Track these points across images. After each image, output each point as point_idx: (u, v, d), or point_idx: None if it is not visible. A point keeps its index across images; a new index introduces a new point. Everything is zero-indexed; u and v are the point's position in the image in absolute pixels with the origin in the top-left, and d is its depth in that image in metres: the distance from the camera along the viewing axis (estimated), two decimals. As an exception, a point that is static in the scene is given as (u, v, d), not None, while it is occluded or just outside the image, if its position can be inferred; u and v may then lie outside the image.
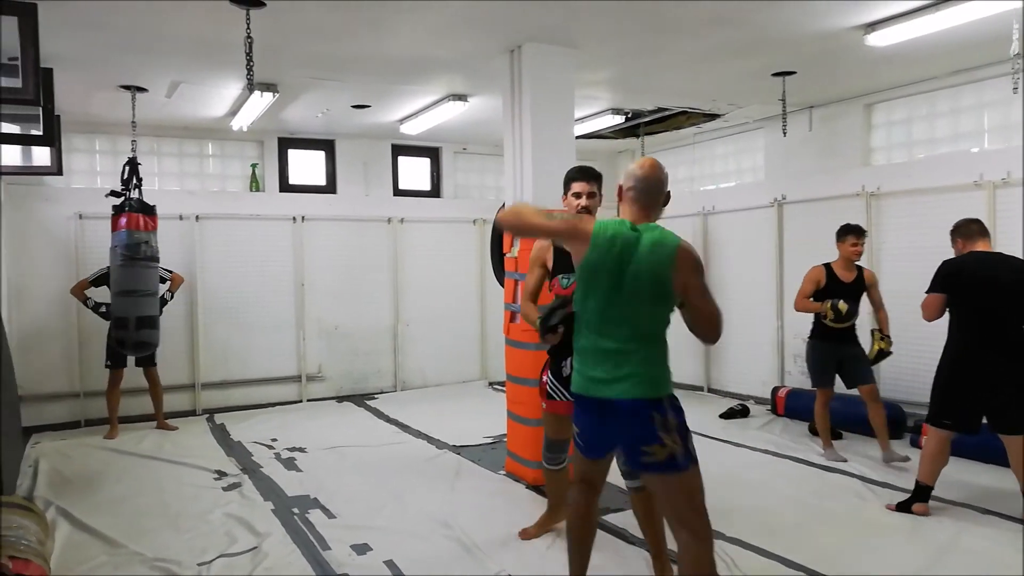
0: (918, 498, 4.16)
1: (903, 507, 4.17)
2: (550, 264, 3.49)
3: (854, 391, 5.39)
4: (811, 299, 5.25)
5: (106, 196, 6.09)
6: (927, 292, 4.18)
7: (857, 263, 5.31)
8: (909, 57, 5.30)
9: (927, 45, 4.95)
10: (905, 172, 6.16)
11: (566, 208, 3.54)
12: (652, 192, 2.67)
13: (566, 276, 3.36)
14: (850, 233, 5.23)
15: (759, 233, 7.34)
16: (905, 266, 6.04)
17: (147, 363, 6.36)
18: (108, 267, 6.13)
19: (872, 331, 5.36)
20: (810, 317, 5.44)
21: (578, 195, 3.52)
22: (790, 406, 6.59)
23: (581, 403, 2.67)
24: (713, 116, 7.25)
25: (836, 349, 5.25)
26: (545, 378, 3.58)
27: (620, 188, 2.72)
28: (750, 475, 4.97)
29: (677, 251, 2.54)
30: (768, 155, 7.54)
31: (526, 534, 3.82)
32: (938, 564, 3.50)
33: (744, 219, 7.53)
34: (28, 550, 3.11)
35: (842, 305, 5.09)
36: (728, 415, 6.72)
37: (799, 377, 6.98)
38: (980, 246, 4.16)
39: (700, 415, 6.78)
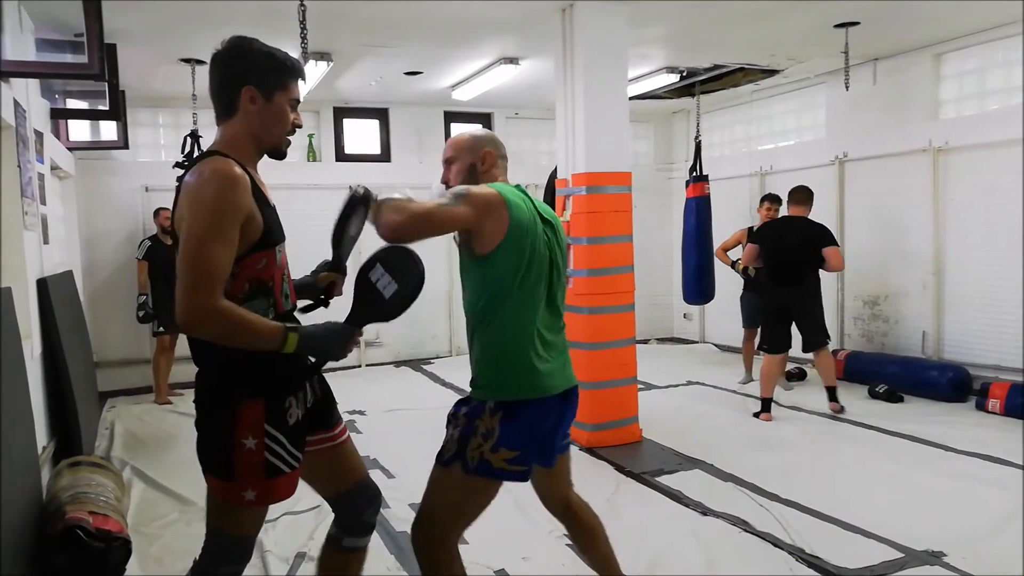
0: None
1: None
2: (258, 232, 2.04)
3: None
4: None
5: (173, 167, 6.19)
6: None
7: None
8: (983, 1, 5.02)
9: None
10: (976, 124, 5.86)
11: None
12: None
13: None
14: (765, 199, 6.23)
15: (818, 192, 7.03)
16: (974, 223, 5.80)
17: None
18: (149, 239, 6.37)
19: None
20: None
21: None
22: (849, 369, 6.42)
23: (559, 399, 2.28)
24: (772, 72, 7.02)
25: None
26: (252, 443, 1.98)
27: (488, 155, 2.44)
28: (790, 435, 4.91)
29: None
30: (830, 111, 7.26)
31: None
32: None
33: (803, 178, 7.22)
34: (107, 506, 3.28)
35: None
36: (784, 378, 6.59)
37: (858, 340, 6.82)
38: None
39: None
